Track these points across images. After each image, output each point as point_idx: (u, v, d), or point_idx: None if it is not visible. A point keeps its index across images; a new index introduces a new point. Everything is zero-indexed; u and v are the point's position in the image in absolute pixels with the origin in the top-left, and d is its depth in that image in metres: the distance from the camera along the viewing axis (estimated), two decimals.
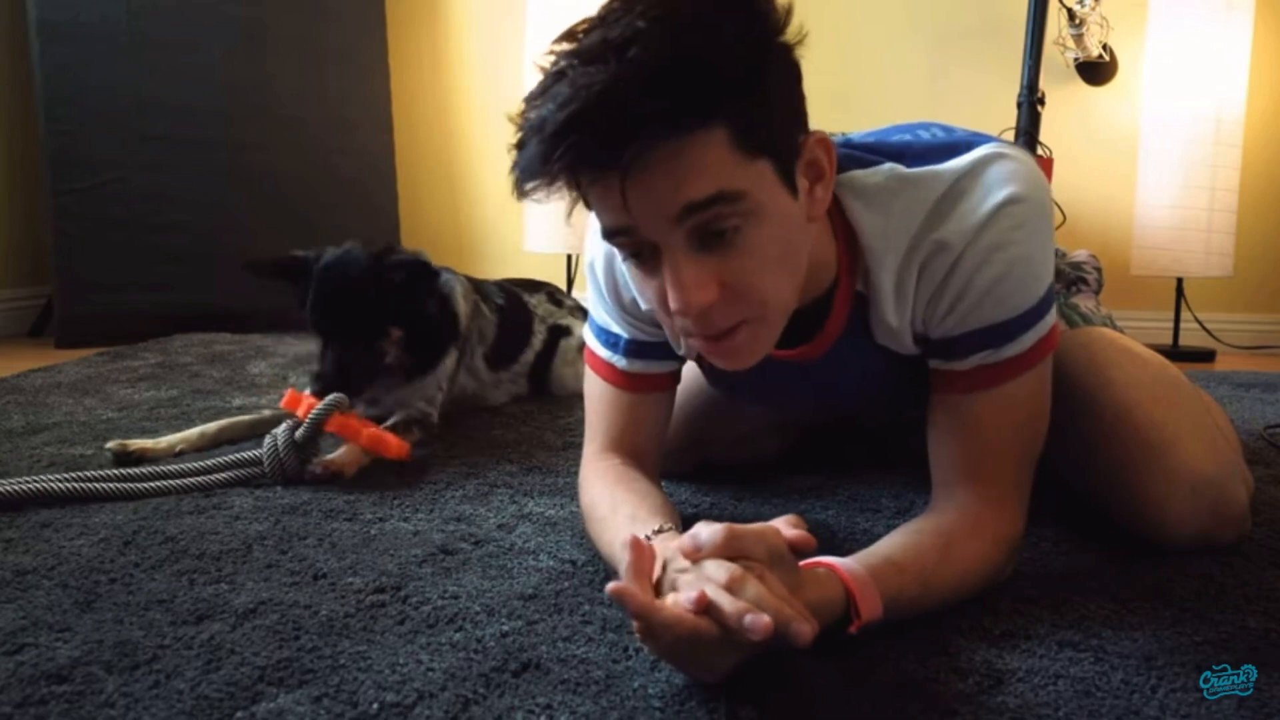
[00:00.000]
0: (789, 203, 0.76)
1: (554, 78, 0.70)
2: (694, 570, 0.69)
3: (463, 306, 1.67)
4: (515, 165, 0.72)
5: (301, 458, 1.22)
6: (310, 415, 1.22)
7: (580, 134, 0.67)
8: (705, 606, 0.65)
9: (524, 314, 1.87)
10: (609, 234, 0.76)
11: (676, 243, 0.73)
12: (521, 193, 0.73)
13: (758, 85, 0.71)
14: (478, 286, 1.78)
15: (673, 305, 0.75)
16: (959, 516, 0.86)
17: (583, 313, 1.99)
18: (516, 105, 0.73)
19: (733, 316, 0.76)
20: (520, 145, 0.71)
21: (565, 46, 0.71)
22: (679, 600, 0.66)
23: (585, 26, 0.71)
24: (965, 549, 0.83)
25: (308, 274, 1.47)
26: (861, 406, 1.17)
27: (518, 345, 1.83)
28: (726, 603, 0.64)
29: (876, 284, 0.87)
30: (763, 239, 0.74)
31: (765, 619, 0.62)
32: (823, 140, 0.79)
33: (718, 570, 0.67)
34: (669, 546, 0.74)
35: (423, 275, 1.52)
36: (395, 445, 1.30)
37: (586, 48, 0.69)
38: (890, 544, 0.82)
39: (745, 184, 0.72)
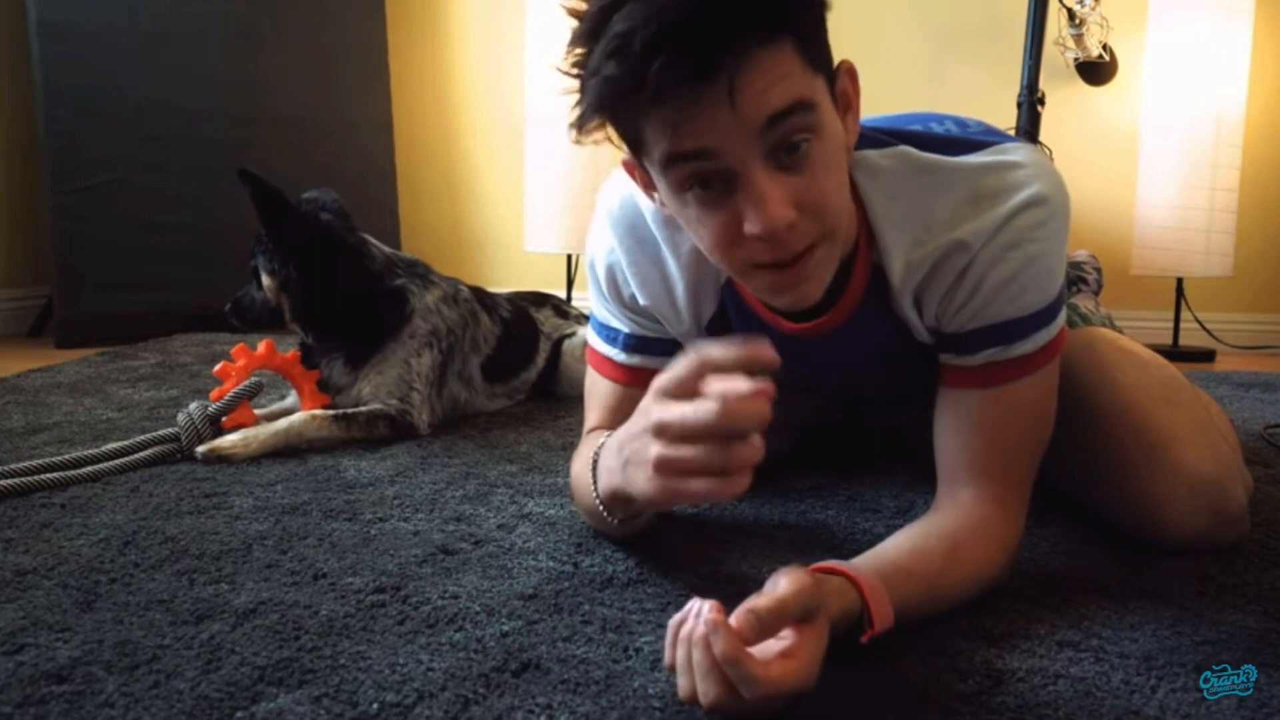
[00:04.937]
0: (839, 125, 0.77)
1: (612, 5, 0.67)
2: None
3: (426, 300, 1.62)
4: (586, 99, 0.71)
5: (215, 430, 1.42)
6: (223, 400, 1.45)
7: (673, 48, 0.65)
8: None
9: (530, 331, 1.83)
10: (678, 159, 0.73)
11: (756, 161, 0.71)
12: (587, 128, 0.73)
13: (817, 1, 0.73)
14: (481, 296, 1.75)
15: (752, 228, 0.72)
16: (963, 518, 0.85)
17: (588, 320, 1.97)
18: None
19: (807, 237, 0.75)
20: (593, 74, 0.69)
21: None
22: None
23: None
24: (970, 553, 0.83)
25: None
26: (873, 389, 1.16)
27: (520, 362, 1.80)
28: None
29: (888, 263, 0.87)
30: (827, 155, 0.74)
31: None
32: (851, 70, 0.79)
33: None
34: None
35: (280, 211, 1.57)
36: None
37: None
38: (897, 548, 0.81)
39: (815, 96, 0.72)
